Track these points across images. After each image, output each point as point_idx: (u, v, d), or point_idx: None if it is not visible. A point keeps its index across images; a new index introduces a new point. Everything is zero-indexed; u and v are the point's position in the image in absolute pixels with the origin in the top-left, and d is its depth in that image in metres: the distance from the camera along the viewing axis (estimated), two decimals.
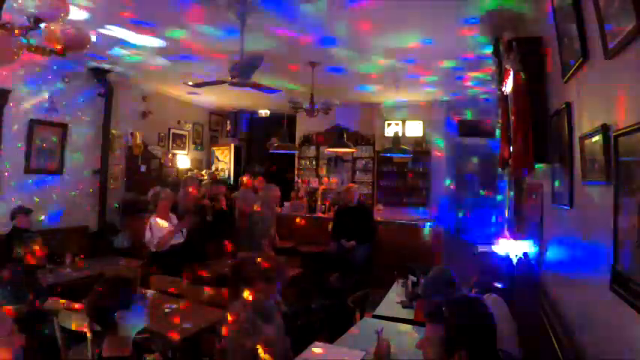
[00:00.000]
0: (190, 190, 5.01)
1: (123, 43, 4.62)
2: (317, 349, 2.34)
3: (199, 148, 8.90)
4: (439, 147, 7.65)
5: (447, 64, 5.16)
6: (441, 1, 3.40)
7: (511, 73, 2.78)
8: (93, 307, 1.56)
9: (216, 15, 3.75)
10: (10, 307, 2.42)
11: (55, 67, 5.17)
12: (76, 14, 3.62)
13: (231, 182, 8.91)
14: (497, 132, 4.42)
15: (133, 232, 5.84)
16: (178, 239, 4.08)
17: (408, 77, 5.90)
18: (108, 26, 4.08)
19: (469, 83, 6.09)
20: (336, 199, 6.83)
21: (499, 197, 6.86)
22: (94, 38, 4.33)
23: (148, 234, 3.95)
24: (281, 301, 2.35)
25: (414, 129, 7.88)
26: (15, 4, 1.80)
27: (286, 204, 7.30)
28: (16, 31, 1.81)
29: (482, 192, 7.54)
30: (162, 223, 3.98)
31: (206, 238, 4.98)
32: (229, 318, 2.10)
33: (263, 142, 8.61)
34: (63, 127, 5.52)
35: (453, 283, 2.42)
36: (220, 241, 5.22)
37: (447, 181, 7.62)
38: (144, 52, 4.96)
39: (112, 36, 4.35)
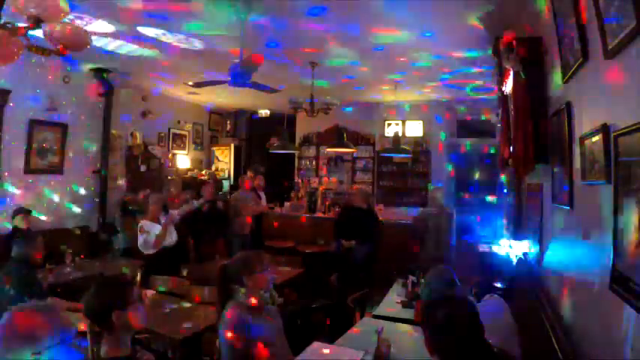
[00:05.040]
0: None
1: (123, 43, 4.62)
2: (317, 349, 2.34)
3: (199, 148, 8.90)
4: (439, 147, 7.65)
5: (447, 63, 5.16)
6: (441, 1, 3.41)
7: (511, 73, 2.78)
8: (89, 308, 1.56)
9: (216, 15, 3.75)
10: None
11: (55, 67, 5.17)
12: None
13: (232, 182, 8.92)
14: (497, 132, 4.42)
15: (133, 232, 5.84)
16: (170, 242, 4.07)
17: (408, 77, 5.91)
18: (108, 26, 4.08)
19: (469, 83, 6.09)
20: (337, 200, 6.86)
21: (499, 197, 6.86)
22: (94, 40, 4.34)
23: (140, 237, 3.95)
24: (275, 294, 2.35)
25: (414, 129, 7.88)
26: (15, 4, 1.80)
27: (286, 204, 7.31)
28: (21, 32, 1.81)
29: (482, 192, 7.54)
30: (153, 225, 3.98)
31: (199, 237, 5.01)
32: (223, 318, 2.10)
33: (263, 142, 8.61)
34: (63, 127, 5.52)
35: (454, 283, 2.42)
36: (213, 241, 5.26)
37: (447, 181, 7.62)
38: (144, 52, 4.96)
39: (113, 36, 4.36)
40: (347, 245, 5.06)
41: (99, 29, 4.03)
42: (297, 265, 4.66)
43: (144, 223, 3.97)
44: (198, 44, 4.60)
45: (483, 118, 7.05)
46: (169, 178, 7.29)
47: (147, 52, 4.91)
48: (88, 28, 3.72)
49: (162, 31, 4.23)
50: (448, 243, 4.86)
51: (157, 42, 4.56)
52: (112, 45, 4.67)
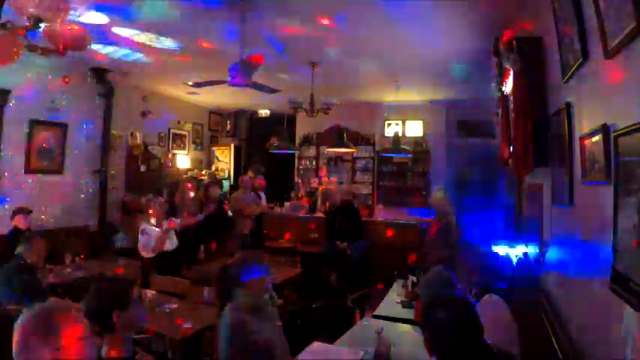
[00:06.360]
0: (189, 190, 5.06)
1: (123, 44, 4.62)
2: (317, 349, 2.34)
3: (199, 148, 8.90)
4: (439, 147, 7.65)
5: (447, 64, 5.16)
6: (441, 1, 3.41)
7: (511, 73, 2.78)
8: (90, 308, 1.56)
9: (216, 15, 3.75)
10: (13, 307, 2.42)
11: (55, 67, 5.17)
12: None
13: (232, 182, 8.92)
14: (497, 132, 4.42)
15: (133, 232, 5.84)
16: (170, 247, 4.07)
17: (408, 78, 5.91)
18: (102, 17, 4.04)
19: (469, 83, 6.07)
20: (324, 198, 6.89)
21: (499, 197, 6.86)
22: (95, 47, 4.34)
23: (141, 240, 3.95)
24: (275, 295, 2.35)
25: (414, 129, 7.88)
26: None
27: (286, 204, 7.31)
28: (21, 32, 1.81)
29: (482, 192, 7.54)
30: (154, 229, 3.98)
31: (200, 239, 5.02)
32: (222, 319, 2.10)
33: (263, 142, 8.61)
34: (63, 127, 5.52)
35: (452, 284, 2.41)
36: (214, 241, 5.25)
37: (447, 182, 7.61)
38: (144, 52, 4.95)
39: (113, 36, 4.35)
40: (341, 247, 5.09)
41: (93, 20, 3.99)
42: (296, 265, 4.66)
43: (145, 227, 3.98)
44: (169, 43, 4.58)
45: (483, 118, 7.04)
46: (184, 179, 7.24)
47: (147, 52, 4.91)
48: (82, 20, 3.70)
49: (135, 31, 4.21)
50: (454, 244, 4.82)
51: (157, 42, 4.56)
52: (112, 45, 4.68)
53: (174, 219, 4.19)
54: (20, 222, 4.18)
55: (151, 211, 4.12)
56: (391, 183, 7.96)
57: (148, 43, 4.56)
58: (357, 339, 2.49)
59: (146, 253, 3.95)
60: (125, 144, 6.72)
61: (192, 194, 5.57)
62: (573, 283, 2.01)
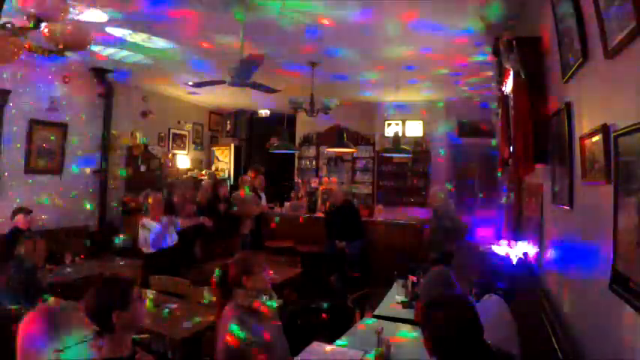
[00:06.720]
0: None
1: (123, 43, 4.62)
2: (317, 349, 2.34)
3: (199, 148, 8.90)
4: (439, 147, 7.65)
5: (447, 65, 5.16)
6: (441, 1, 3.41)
7: (511, 73, 2.78)
8: (90, 307, 1.56)
9: (216, 15, 3.75)
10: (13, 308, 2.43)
11: (55, 67, 5.17)
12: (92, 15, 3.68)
13: (232, 182, 8.92)
14: (497, 132, 4.42)
15: (133, 232, 5.83)
16: (169, 243, 4.07)
17: (408, 78, 5.90)
18: (102, 15, 4.04)
19: (469, 84, 6.08)
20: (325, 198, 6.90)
21: (499, 197, 6.85)
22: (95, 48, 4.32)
23: (141, 235, 3.96)
24: (275, 295, 2.35)
25: (414, 129, 7.88)
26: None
27: (286, 204, 7.31)
28: (21, 31, 1.81)
29: (482, 192, 7.54)
30: (153, 224, 3.99)
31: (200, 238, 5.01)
32: (221, 321, 2.10)
33: (263, 142, 8.61)
34: (63, 127, 5.52)
35: (452, 284, 2.41)
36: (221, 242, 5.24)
37: (447, 182, 7.62)
38: (144, 52, 4.95)
39: (113, 36, 4.35)
40: (340, 246, 5.10)
41: (92, 19, 3.98)
42: (296, 265, 4.66)
43: (145, 221, 3.99)
44: (162, 44, 4.58)
45: (483, 118, 7.05)
46: (184, 179, 7.24)
47: (147, 52, 4.91)
48: (81, 18, 3.69)
49: (128, 31, 4.21)
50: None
51: (157, 42, 4.56)
52: (112, 45, 4.68)
53: (174, 217, 4.20)
54: (20, 222, 4.18)
55: (148, 206, 4.12)
56: (391, 183, 7.96)
57: (142, 43, 4.56)
58: (357, 339, 2.49)
59: (146, 249, 3.96)
60: (125, 144, 6.72)
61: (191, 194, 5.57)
62: (573, 283, 2.01)
